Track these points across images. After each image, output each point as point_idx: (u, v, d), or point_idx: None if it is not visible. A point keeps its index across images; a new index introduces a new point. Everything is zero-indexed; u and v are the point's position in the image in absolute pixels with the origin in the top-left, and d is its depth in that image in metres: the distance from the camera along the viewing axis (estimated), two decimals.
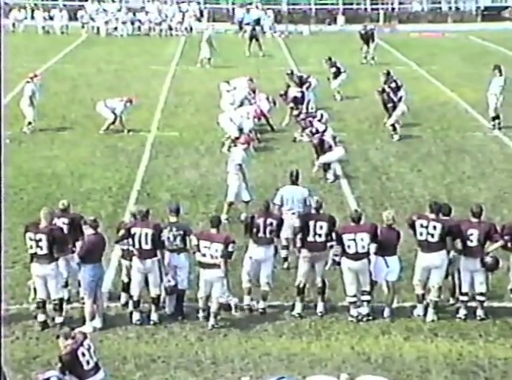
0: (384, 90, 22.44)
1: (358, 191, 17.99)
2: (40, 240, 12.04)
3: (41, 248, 12.04)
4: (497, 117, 22.76)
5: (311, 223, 12.60)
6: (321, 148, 18.92)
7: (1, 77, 19.25)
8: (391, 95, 22.24)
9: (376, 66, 32.33)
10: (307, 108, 22.62)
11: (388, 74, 23.33)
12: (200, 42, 34.44)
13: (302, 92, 23.20)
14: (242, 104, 22.11)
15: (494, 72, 22.88)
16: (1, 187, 13.59)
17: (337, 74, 26.66)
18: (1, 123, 18.18)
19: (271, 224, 12.73)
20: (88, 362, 9.83)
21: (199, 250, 12.22)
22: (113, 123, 22.36)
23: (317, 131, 19.42)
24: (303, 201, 14.13)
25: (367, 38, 34.35)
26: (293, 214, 13.92)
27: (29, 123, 22.41)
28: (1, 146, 14.56)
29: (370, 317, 12.45)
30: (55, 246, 12.07)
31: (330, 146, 18.89)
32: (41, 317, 12.23)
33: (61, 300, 12.30)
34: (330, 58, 27.17)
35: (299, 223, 12.80)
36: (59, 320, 12.24)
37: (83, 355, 9.82)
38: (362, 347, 11.72)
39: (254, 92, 22.73)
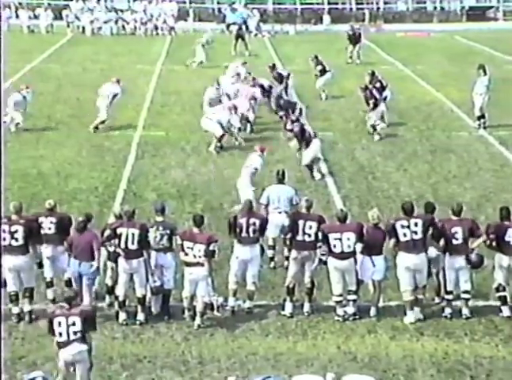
0: (366, 87, 22.52)
1: (344, 191, 18.01)
2: (16, 231, 12.19)
3: (17, 239, 12.19)
4: (482, 117, 22.85)
5: (301, 222, 12.59)
6: (302, 136, 18.99)
7: (0, 79, 19.15)
8: (374, 92, 22.32)
9: (361, 65, 32.39)
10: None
11: (373, 74, 23.41)
12: (193, 44, 34.21)
13: (270, 86, 23.34)
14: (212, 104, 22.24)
15: (479, 72, 22.96)
16: (0, 187, 13.51)
17: (322, 72, 26.75)
18: (1, 124, 18.14)
19: (254, 224, 12.69)
20: (60, 334, 10.01)
21: (183, 250, 12.24)
22: (103, 122, 22.31)
23: (297, 120, 19.60)
24: (289, 200, 14.14)
25: (354, 38, 34.45)
26: (280, 213, 13.92)
27: (17, 124, 22.34)
28: (0, 146, 14.59)
29: (356, 317, 12.47)
30: (30, 238, 12.25)
31: (310, 135, 19.01)
32: (16, 310, 12.33)
33: (32, 289, 12.41)
34: (316, 57, 27.25)
35: (289, 222, 12.81)
36: (27, 308, 12.33)
37: (59, 324, 10.02)
38: (348, 346, 11.73)
39: (245, 78, 23.23)
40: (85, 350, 10.10)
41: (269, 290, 13.33)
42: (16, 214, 12.41)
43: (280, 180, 14.53)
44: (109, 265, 12.72)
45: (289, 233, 12.74)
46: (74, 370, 10.14)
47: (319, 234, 12.53)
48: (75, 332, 10.08)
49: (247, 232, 12.68)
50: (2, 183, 14.02)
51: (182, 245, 12.23)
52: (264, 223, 12.87)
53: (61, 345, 10.13)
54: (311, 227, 12.58)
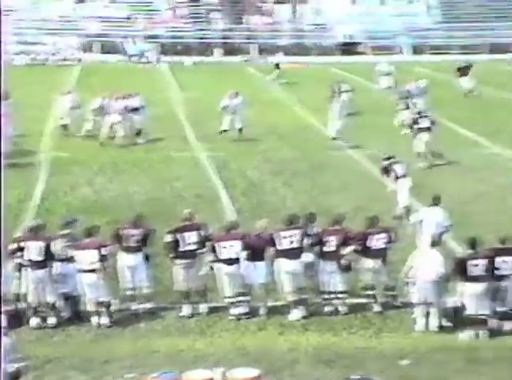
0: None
1: (238, 204, 17.97)
2: (133, 235, 12.54)
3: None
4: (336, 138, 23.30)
5: (185, 234, 12.48)
6: None
7: (0, 80, 18.19)
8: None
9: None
10: None
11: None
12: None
13: None
14: None
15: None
16: (0, 192, 12.82)
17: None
18: (2, 131, 17.23)
19: (134, 235, 12.51)
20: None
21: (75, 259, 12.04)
22: None
23: None
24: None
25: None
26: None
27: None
28: (0, 152, 13.91)
29: (249, 316, 12.38)
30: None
31: None
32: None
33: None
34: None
35: (170, 238, 12.55)
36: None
37: None
38: (242, 342, 11.62)
39: None
40: None
41: (170, 295, 13.08)
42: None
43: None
44: (16, 275, 12.18)
45: (171, 247, 12.53)
46: None
47: (201, 242, 12.47)
48: None
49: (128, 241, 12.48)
50: (2, 184, 13.41)
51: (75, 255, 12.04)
52: (146, 235, 12.59)
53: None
54: (190, 237, 12.49)
